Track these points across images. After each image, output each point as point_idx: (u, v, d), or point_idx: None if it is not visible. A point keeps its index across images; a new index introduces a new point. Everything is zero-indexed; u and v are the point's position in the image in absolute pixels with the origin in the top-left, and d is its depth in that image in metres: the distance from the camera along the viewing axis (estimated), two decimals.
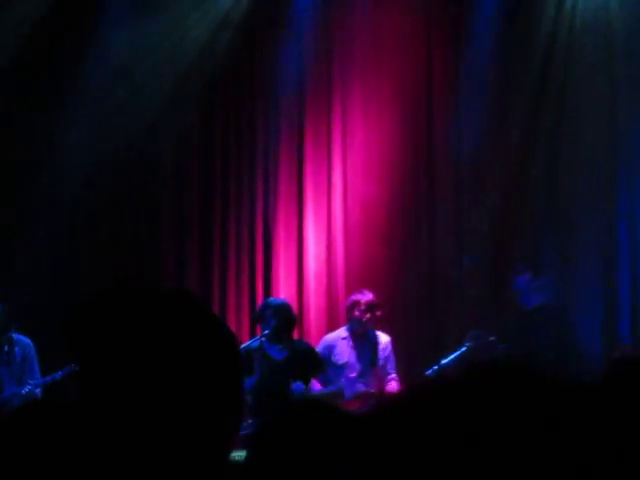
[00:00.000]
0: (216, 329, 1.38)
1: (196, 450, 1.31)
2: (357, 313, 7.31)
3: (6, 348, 7.88)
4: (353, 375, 7.43)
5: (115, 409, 1.20)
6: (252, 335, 7.92)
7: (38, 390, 7.71)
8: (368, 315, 7.29)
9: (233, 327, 8.09)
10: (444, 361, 7.29)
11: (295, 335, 7.44)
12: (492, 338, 7.58)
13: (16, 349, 7.92)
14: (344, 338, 7.48)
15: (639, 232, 8.23)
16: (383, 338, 7.50)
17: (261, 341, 7.18)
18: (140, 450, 1.28)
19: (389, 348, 7.53)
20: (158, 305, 1.30)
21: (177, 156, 8.46)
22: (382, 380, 7.49)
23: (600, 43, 8.07)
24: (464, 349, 7.47)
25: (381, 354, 7.46)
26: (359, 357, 7.44)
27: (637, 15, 7.95)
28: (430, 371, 7.30)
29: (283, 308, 7.24)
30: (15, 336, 7.85)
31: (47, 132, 8.11)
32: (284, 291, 8.50)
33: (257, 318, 7.66)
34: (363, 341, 7.45)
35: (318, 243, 8.67)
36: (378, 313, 7.33)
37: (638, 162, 8.06)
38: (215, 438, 1.34)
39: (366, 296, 7.39)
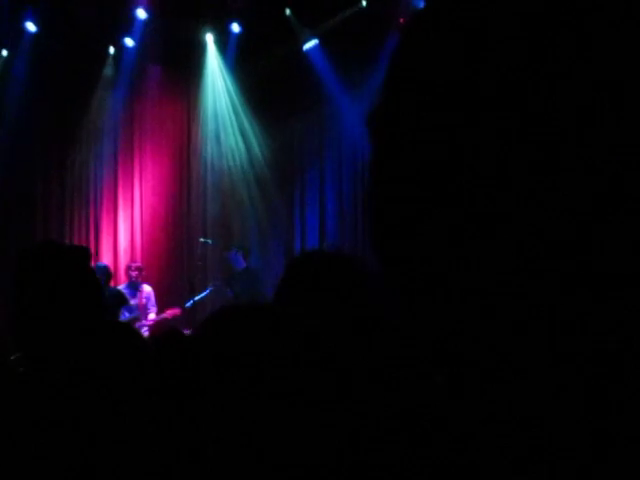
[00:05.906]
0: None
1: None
2: (130, 272, 9.37)
3: None
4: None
5: None
6: None
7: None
8: (136, 273, 9.27)
9: None
10: (197, 297, 9.14)
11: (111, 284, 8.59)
12: (218, 283, 9.63)
13: None
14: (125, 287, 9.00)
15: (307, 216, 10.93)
16: (147, 288, 9.23)
17: None
18: None
19: (151, 293, 9.27)
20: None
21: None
22: (144, 310, 9.12)
23: None
24: (208, 290, 9.63)
25: (145, 297, 9.22)
26: (131, 297, 8.89)
27: None
28: (188, 303, 9.06)
29: (105, 269, 8.49)
30: None
31: None
32: (105, 259, 10.66)
33: None
34: (135, 289, 9.20)
35: (125, 232, 11.44)
36: (144, 272, 9.38)
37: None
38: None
39: (136, 263, 9.57)
